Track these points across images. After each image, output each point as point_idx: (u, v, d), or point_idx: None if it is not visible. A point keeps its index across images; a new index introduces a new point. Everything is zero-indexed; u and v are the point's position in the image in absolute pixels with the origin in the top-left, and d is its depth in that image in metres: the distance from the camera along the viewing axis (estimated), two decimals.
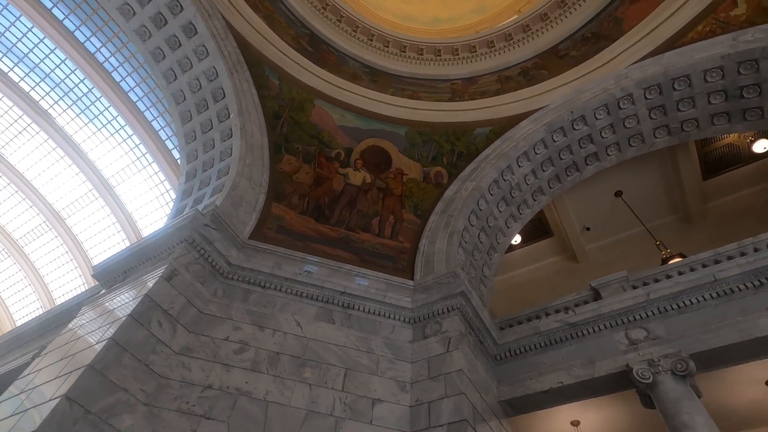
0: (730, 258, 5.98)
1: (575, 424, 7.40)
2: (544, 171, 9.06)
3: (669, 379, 5.25)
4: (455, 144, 9.49)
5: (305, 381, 5.23)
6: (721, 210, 10.32)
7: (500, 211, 8.82)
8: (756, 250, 5.84)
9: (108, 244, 15.80)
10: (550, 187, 9.28)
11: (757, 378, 6.29)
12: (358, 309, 6.27)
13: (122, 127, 13.24)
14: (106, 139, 13.80)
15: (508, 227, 8.98)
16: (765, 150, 9.17)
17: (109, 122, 13.31)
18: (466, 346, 5.84)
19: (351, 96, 9.83)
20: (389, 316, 6.33)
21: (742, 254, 5.89)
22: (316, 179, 8.46)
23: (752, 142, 9.15)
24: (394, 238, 8.03)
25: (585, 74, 9.31)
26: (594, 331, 6.21)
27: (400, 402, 5.36)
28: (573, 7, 10.89)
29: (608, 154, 9.03)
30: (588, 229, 11.04)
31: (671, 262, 7.87)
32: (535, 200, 9.27)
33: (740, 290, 5.54)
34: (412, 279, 7.15)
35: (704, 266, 6.09)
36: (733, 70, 7.31)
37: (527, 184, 9.01)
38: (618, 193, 10.44)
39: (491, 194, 8.55)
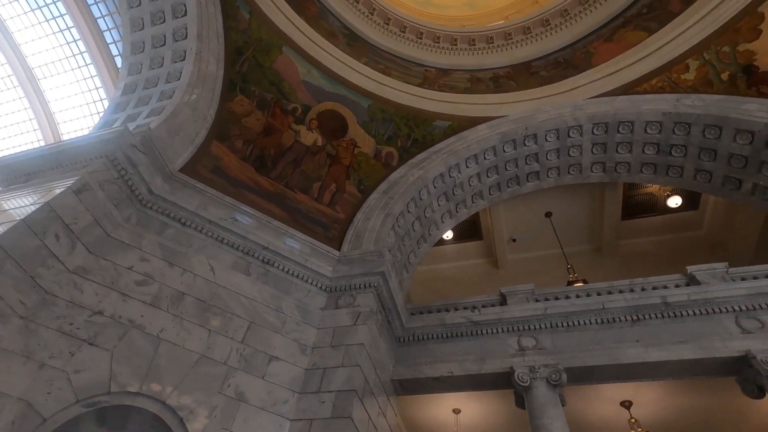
0: (621, 291, 6.68)
1: (456, 411, 7.99)
2: (488, 177, 9.43)
3: (542, 386, 5.82)
4: (413, 130, 9.55)
5: (205, 326, 5.13)
6: (630, 249, 11.43)
7: (439, 205, 9.08)
8: (642, 289, 6.58)
9: (19, 140, 14.14)
10: (490, 194, 9.69)
11: (614, 398, 7.18)
12: (278, 267, 6.22)
13: (62, 15, 11.74)
14: (40, 23, 12.17)
15: (443, 222, 9.29)
16: (676, 206, 10.24)
17: (47, 5, 11.73)
18: (373, 323, 6.04)
19: (322, 54, 9.47)
20: (307, 281, 6.35)
21: (631, 291, 6.61)
22: (266, 129, 8.13)
23: (668, 196, 10.16)
24: (332, 206, 8.00)
25: (548, 96, 9.72)
26: (492, 332, 6.69)
27: (297, 363, 5.45)
28: (555, 29, 11.24)
29: (548, 176, 9.58)
30: (514, 240, 11.74)
31: (575, 285, 8.61)
32: (473, 202, 9.65)
33: (620, 321, 6.23)
34: (339, 250, 7.21)
35: (598, 294, 6.75)
36: (670, 128, 8.02)
37: (470, 186, 9.33)
38: (548, 214, 11.17)
39: (434, 187, 8.76)
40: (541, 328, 6.52)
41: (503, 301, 7.17)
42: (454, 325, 6.86)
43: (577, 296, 6.86)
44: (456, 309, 7.28)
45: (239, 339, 5.27)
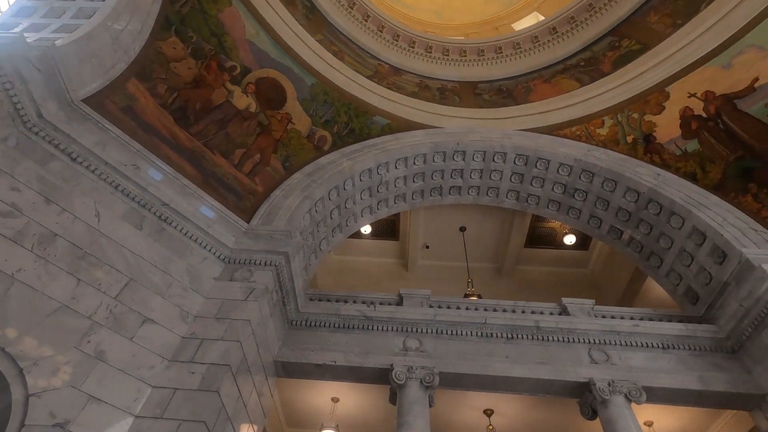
0: (504, 311, 7.27)
1: (335, 400, 8.15)
2: (414, 182, 9.71)
3: (416, 386, 6.16)
4: (352, 119, 9.52)
5: (75, 274, 4.68)
6: (525, 274, 12.46)
7: (361, 199, 9.16)
8: (522, 312, 7.22)
9: None
10: (413, 199, 9.99)
11: (479, 405, 7.81)
12: (175, 227, 5.86)
13: None
14: None
15: (362, 216, 9.40)
16: (571, 243, 11.38)
17: None
18: (265, 302, 5.94)
19: (276, 19, 9.05)
20: (205, 247, 6.07)
21: (513, 311, 7.23)
22: (197, 80, 7.59)
23: (566, 234, 11.25)
24: (251, 176, 7.71)
25: (484, 118, 10.26)
26: (382, 329, 6.92)
27: (173, 330, 5.19)
28: (505, 58, 11.87)
29: (468, 194, 10.11)
30: (427, 247, 12.22)
31: (469, 298, 9.21)
32: (395, 203, 9.88)
33: (497, 337, 6.79)
34: (249, 222, 6.99)
35: (485, 310, 7.28)
36: (577, 173, 8.87)
37: (395, 187, 9.54)
38: (462, 229, 11.78)
39: (360, 180, 8.82)
40: (427, 332, 6.88)
41: (400, 301, 7.45)
42: (348, 316, 6.99)
43: (466, 308, 7.34)
44: (354, 302, 7.41)
45: (113, 294, 4.88)
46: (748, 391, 6.02)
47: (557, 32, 11.31)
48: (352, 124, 9.52)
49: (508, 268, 12.22)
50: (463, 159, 9.63)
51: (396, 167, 9.30)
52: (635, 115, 8.97)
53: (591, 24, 10.92)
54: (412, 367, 6.30)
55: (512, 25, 15.10)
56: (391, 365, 6.36)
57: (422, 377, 6.20)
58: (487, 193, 10.07)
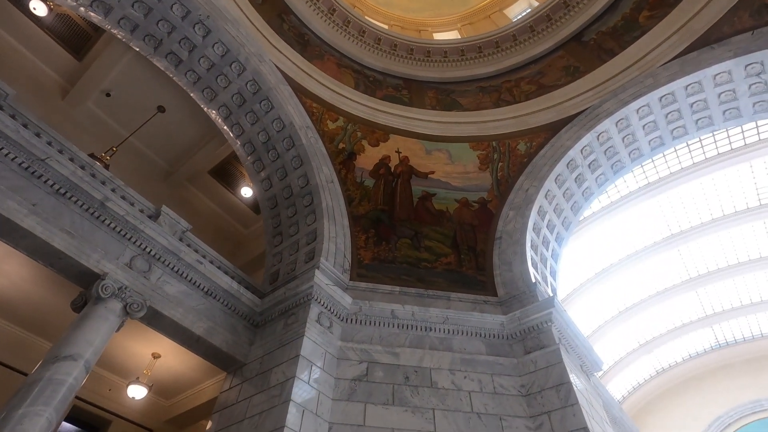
0: (92, 175, 6.08)
1: None
2: (134, 10, 7.77)
3: None
4: None
5: None
6: (188, 195, 11.49)
7: None
8: (113, 190, 6.20)
9: None
10: (120, 26, 7.95)
11: None
12: None
13: None
14: None
15: None
16: (245, 197, 11.37)
17: None
18: None
19: None
20: None
21: (103, 183, 6.12)
22: None
23: (246, 186, 11.14)
24: None
25: (258, 27, 9.42)
26: None
27: None
28: (339, 29, 11.60)
29: (186, 76, 8.75)
30: (108, 95, 9.93)
31: (96, 159, 7.60)
32: (94, 10, 7.61)
33: (54, 188, 5.47)
34: None
35: (71, 159, 5.93)
36: (284, 136, 8.86)
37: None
38: (161, 108, 10.14)
39: None
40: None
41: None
42: None
43: (55, 147, 5.81)
44: None
45: None
46: (236, 356, 6.59)
47: (382, 48, 11.96)
48: None
49: (177, 179, 11.12)
50: (204, 38, 8.39)
51: None
52: (359, 133, 9.84)
53: (399, 60, 12.03)
54: None
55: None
56: None
57: None
58: (204, 92, 8.99)
